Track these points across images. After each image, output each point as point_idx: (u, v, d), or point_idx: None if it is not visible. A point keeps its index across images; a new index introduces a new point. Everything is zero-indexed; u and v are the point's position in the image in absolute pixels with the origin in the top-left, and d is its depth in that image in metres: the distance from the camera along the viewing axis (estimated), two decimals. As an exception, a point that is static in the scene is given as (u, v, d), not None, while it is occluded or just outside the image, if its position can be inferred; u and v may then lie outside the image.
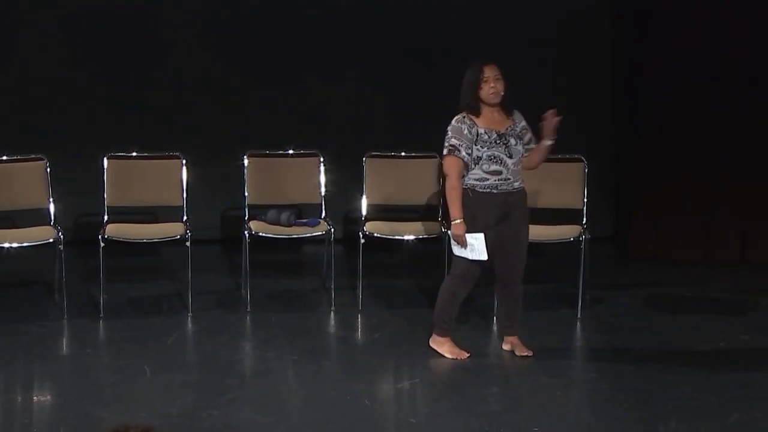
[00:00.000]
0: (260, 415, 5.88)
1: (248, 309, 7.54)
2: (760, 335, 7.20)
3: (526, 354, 6.75)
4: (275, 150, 8.07)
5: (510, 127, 6.57)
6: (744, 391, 6.25)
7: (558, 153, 7.75)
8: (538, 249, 7.95)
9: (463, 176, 6.50)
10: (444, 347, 6.76)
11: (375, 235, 7.62)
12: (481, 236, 6.45)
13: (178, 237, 7.48)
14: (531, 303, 7.28)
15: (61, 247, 7.31)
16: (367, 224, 7.71)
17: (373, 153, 7.97)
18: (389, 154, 8.00)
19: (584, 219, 7.66)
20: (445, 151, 6.53)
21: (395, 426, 5.94)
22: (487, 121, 6.53)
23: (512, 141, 6.52)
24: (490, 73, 6.52)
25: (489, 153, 6.47)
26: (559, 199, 7.68)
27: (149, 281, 8.10)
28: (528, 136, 6.65)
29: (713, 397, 6.17)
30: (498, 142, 6.48)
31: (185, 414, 5.86)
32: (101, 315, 7.35)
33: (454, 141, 6.49)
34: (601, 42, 9.07)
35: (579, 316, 7.45)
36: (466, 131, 6.49)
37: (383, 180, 7.93)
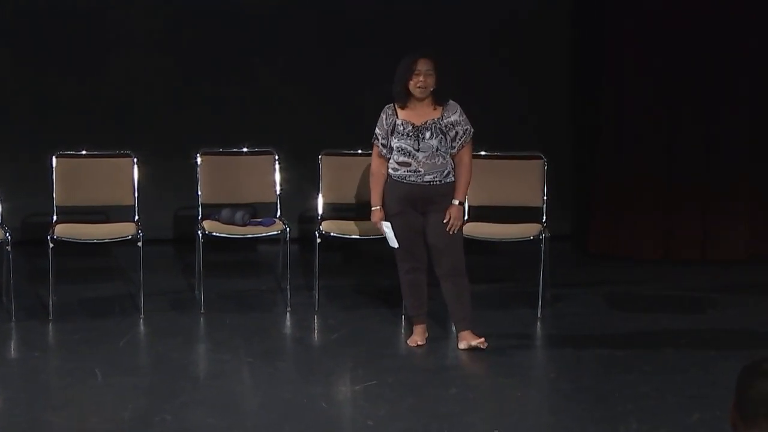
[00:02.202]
0: (214, 418, 5.83)
1: (202, 310, 7.46)
2: (720, 334, 7.19)
3: (477, 342, 6.65)
4: (229, 148, 8.00)
5: (432, 120, 6.57)
6: (705, 390, 6.23)
7: (517, 150, 7.77)
8: (497, 248, 7.94)
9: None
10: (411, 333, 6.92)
11: (331, 234, 7.56)
12: (389, 224, 6.61)
13: (130, 237, 7.41)
14: (491, 302, 7.29)
15: (9, 247, 7.20)
16: (323, 223, 7.65)
17: (329, 151, 7.90)
18: (345, 152, 7.94)
19: (544, 217, 7.61)
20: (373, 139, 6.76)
21: (352, 428, 5.91)
22: (409, 113, 6.61)
23: (427, 134, 6.54)
24: (422, 66, 6.57)
25: (398, 144, 6.59)
26: (518, 197, 7.67)
27: (100, 282, 7.99)
28: (455, 131, 6.59)
29: (674, 397, 6.15)
30: (410, 134, 6.55)
31: (138, 418, 5.80)
32: (50, 317, 7.25)
33: (377, 130, 6.70)
34: (560, 39, 9.05)
35: (539, 315, 7.40)
36: (385, 121, 6.67)
37: (339, 178, 7.87)
